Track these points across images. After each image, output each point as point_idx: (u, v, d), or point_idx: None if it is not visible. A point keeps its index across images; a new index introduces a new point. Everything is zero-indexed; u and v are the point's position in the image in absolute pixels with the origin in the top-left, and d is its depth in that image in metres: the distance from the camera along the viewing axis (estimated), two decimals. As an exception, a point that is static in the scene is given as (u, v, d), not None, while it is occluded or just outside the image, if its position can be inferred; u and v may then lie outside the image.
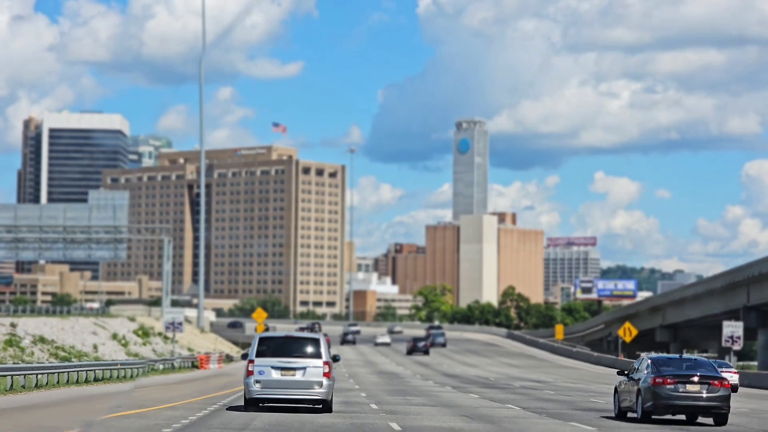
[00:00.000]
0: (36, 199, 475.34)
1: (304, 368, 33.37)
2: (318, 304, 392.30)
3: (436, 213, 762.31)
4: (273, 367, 33.35)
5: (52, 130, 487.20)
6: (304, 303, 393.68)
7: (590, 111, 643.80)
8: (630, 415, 35.32)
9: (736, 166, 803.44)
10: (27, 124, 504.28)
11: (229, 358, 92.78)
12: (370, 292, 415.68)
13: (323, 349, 33.85)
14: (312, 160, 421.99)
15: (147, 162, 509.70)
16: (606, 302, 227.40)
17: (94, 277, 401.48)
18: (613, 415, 36.54)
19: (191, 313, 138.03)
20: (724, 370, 63.10)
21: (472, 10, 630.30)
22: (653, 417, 34.09)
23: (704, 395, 33.12)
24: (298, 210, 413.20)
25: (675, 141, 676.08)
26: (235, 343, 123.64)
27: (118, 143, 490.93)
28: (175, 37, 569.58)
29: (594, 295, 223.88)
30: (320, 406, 34.36)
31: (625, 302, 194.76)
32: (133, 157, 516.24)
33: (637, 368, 34.74)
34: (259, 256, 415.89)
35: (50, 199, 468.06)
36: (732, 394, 40.30)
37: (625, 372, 35.99)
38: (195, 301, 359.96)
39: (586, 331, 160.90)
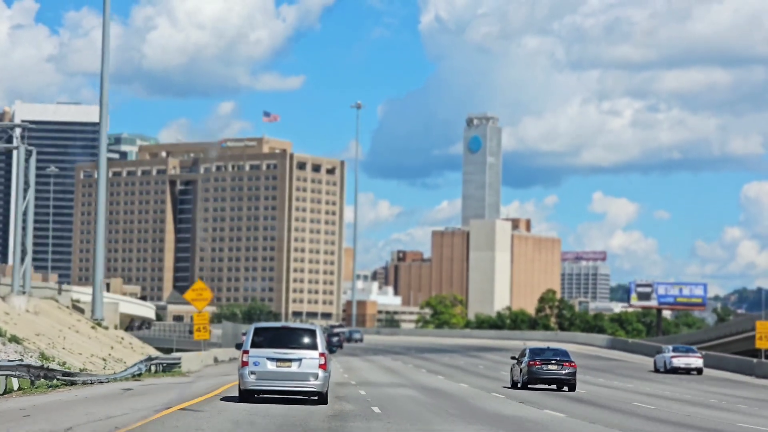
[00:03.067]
0: (6, 195, 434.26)
1: (300, 359, 32.88)
2: (313, 314, 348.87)
3: (433, 230, 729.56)
4: (268, 358, 32.91)
5: (24, 122, 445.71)
6: (297, 313, 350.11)
7: (592, 129, 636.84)
8: (518, 386, 53.26)
9: (735, 187, 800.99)
10: (1, 117, 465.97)
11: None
12: (370, 302, 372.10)
13: (319, 340, 33.20)
14: (308, 154, 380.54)
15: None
16: (666, 311, 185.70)
17: None
18: (509, 385, 55.33)
19: (85, 297, 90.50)
20: (691, 354, 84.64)
21: (476, 25, 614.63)
22: (529, 386, 52.62)
23: (560, 372, 51.74)
24: (291, 210, 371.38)
25: (676, 161, 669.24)
26: (164, 350, 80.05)
27: (96, 137, 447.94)
28: (176, 49, 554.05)
29: (653, 302, 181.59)
30: (316, 398, 33.77)
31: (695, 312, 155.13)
32: (114, 155, 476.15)
33: (523, 356, 53.15)
34: (247, 261, 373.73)
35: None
36: (698, 373, 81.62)
37: (515, 358, 54.71)
38: (176, 311, 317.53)
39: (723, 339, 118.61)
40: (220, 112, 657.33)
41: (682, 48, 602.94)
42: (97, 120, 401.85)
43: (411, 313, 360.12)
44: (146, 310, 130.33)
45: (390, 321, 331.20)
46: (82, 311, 75.71)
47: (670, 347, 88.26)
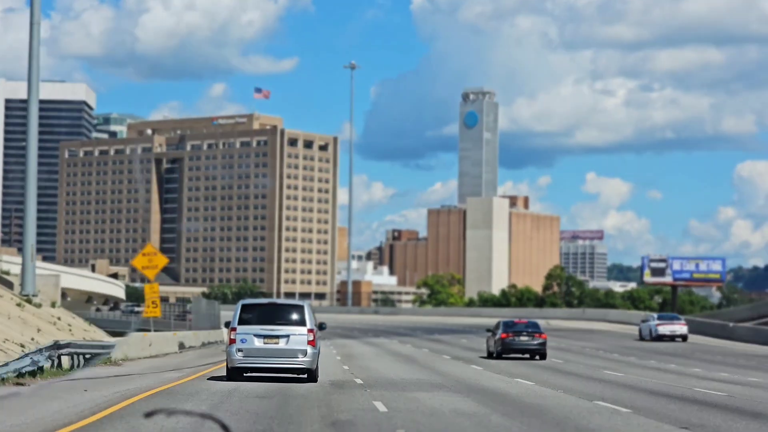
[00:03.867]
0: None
1: (287, 336, 32.31)
2: (306, 295, 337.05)
3: (429, 209, 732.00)
4: (256, 335, 32.24)
5: (8, 101, 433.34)
6: (290, 294, 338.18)
7: (585, 109, 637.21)
8: (493, 356, 56.43)
9: (729, 166, 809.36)
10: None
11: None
12: (364, 282, 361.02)
13: (308, 317, 32.72)
14: (300, 130, 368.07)
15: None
16: (681, 287, 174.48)
17: None
18: (485, 355, 58.58)
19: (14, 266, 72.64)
20: (676, 322, 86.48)
21: (469, 4, 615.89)
22: (503, 356, 55.65)
23: (531, 342, 55.10)
24: (283, 188, 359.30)
25: (670, 140, 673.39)
26: (117, 335, 66.56)
27: (82, 115, 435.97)
28: (169, 32, 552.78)
29: (668, 279, 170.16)
30: (305, 375, 33.24)
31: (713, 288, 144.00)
32: (104, 136, 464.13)
33: (497, 328, 57.00)
34: (229, 240, 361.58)
35: (5, 175, 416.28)
36: (683, 340, 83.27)
37: (490, 330, 59.05)
38: (162, 292, 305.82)
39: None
40: (212, 94, 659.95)
41: (675, 27, 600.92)
42: (84, 98, 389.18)
43: (407, 293, 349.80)
44: (112, 287, 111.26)
45: (385, 301, 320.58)
46: (9, 285, 63.27)
47: (655, 315, 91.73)
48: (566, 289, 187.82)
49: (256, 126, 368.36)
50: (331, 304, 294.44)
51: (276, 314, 33.00)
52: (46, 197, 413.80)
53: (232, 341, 32.57)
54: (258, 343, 32.35)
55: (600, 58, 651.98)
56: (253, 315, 32.85)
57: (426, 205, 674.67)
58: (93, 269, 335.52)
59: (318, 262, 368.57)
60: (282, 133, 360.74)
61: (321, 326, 34.24)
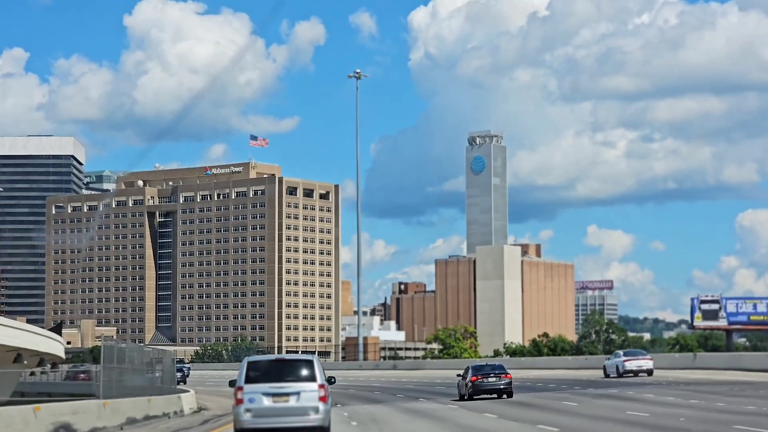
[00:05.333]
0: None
1: (298, 393, 31.44)
2: (309, 353, 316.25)
3: (429, 269, 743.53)
4: (264, 394, 31.33)
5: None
6: (292, 352, 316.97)
7: (586, 161, 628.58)
8: (465, 398, 60.54)
9: (731, 215, 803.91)
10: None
11: None
12: (371, 338, 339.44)
13: (318, 371, 31.91)
14: (299, 178, 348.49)
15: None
16: (737, 331, 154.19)
17: None
18: (457, 398, 62.09)
19: None
20: (641, 357, 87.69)
21: (467, 59, 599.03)
22: (474, 397, 59.94)
23: (498, 383, 59.40)
24: (282, 239, 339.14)
25: (671, 191, 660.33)
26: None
27: (70, 170, 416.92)
28: (168, 93, 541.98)
29: (722, 322, 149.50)
30: None
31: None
32: (96, 194, 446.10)
33: (467, 372, 61.34)
34: (226, 296, 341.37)
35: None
36: (648, 375, 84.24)
37: (460, 374, 63.22)
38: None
39: None
40: (212, 154, 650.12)
41: (675, 77, 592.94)
42: (72, 153, 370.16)
43: (416, 348, 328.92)
44: (47, 344, 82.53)
45: (394, 357, 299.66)
46: None
47: (621, 352, 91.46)
48: (606, 337, 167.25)
49: (252, 175, 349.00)
50: (336, 360, 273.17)
51: (284, 370, 31.98)
52: (34, 256, 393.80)
53: (239, 401, 31.48)
54: (267, 402, 31.33)
55: (600, 109, 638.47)
56: (259, 372, 31.79)
57: (428, 261, 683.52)
58: (79, 330, 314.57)
59: (321, 318, 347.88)
60: (281, 181, 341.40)
61: (330, 381, 32.59)
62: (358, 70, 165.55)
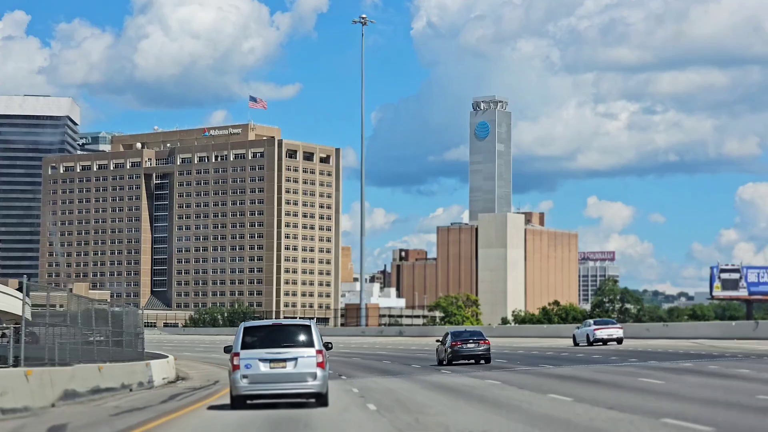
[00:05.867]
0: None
1: (295, 359, 30.81)
2: (307, 319, 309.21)
3: (429, 238, 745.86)
4: (261, 360, 30.69)
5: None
6: (290, 317, 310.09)
7: (588, 133, 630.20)
8: (443, 363, 60.97)
9: (731, 189, 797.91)
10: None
11: None
12: (371, 305, 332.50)
13: (315, 337, 31.14)
14: (299, 139, 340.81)
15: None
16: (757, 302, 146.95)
17: None
18: (436, 363, 62.65)
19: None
20: (611, 326, 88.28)
21: (470, 29, 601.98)
22: (453, 362, 60.25)
23: (477, 349, 60.52)
24: (281, 203, 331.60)
25: (672, 163, 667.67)
26: None
27: (65, 131, 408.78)
28: (169, 58, 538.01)
29: (742, 293, 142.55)
30: (315, 400, 31.48)
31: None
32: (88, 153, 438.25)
33: (446, 338, 62.27)
34: (223, 261, 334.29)
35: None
36: (618, 343, 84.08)
37: (439, 340, 64.61)
38: (147, 316, 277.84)
39: None
40: (213, 121, 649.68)
41: (678, 49, 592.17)
42: (68, 114, 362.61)
43: (416, 316, 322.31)
44: (7, 301, 69.87)
45: (396, 324, 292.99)
46: None
47: (591, 321, 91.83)
48: (621, 306, 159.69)
49: (251, 137, 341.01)
50: (335, 326, 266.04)
51: (281, 336, 31.35)
52: (29, 217, 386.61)
53: (235, 367, 30.85)
54: (264, 368, 30.76)
55: (602, 81, 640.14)
56: (256, 338, 31.28)
57: (428, 230, 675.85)
58: (129, 306, 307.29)
59: (320, 284, 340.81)
60: (280, 143, 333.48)
61: (327, 346, 31.87)
62: (363, 15, 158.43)
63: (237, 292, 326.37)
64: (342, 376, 50.61)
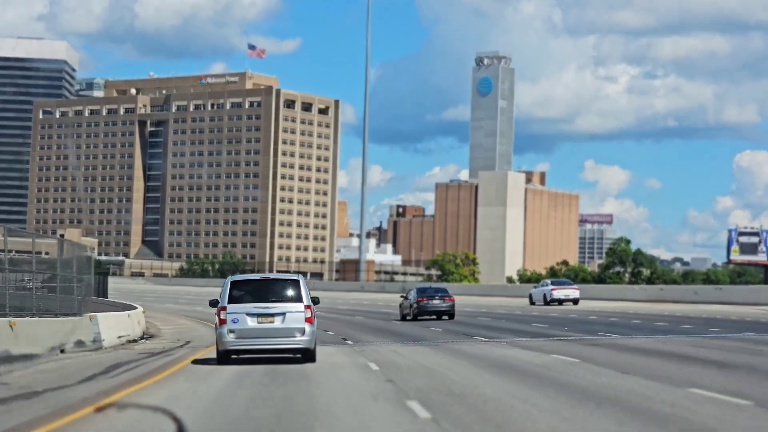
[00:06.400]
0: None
1: (283, 314, 29.95)
2: (302, 274, 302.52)
3: (425, 196, 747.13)
4: (248, 314, 29.85)
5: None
6: (284, 272, 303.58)
7: (587, 96, 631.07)
8: (407, 318, 62.21)
9: (728, 156, 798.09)
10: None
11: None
12: (367, 261, 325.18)
13: (304, 292, 30.24)
14: (298, 90, 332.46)
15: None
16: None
17: None
18: (399, 319, 62.77)
19: None
20: (568, 286, 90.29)
21: None
22: (418, 318, 61.20)
23: (441, 304, 61.61)
24: (278, 154, 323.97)
25: (670, 128, 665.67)
26: None
27: (62, 76, 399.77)
28: (170, 9, 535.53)
29: (762, 257, 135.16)
30: (302, 356, 30.68)
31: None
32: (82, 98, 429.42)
33: (410, 294, 63.56)
34: (216, 212, 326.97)
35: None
36: (574, 303, 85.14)
37: (403, 296, 65.98)
38: (137, 266, 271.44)
39: None
40: (211, 71, 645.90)
41: (681, 14, 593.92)
42: (65, 58, 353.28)
43: (413, 273, 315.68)
44: None
45: (391, 281, 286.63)
46: None
47: (548, 281, 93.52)
48: (634, 268, 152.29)
49: (249, 86, 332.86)
50: (330, 280, 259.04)
51: (269, 290, 30.47)
52: (19, 163, 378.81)
53: (222, 322, 29.99)
54: (251, 322, 30.01)
55: (603, 44, 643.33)
56: (244, 292, 30.48)
57: (424, 189, 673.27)
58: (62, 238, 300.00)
59: (316, 238, 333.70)
60: (278, 93, 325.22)
61: (315, 301, 30.87)
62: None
63: (230, 244, 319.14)
64: (347, 340, 41.50)
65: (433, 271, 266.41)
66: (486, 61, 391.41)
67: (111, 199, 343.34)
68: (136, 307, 50.77)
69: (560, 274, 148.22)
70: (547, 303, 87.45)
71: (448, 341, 40.23)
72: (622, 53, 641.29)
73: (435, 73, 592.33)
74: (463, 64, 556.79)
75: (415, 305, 61.85)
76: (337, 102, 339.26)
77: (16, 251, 36.69)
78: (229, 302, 29.91)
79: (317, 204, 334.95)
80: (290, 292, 30.24)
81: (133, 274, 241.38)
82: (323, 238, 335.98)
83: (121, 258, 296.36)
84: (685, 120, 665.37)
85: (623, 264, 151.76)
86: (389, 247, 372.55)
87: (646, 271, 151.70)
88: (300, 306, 29.96)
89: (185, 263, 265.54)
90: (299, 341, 29.92)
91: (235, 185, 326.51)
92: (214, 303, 31.07)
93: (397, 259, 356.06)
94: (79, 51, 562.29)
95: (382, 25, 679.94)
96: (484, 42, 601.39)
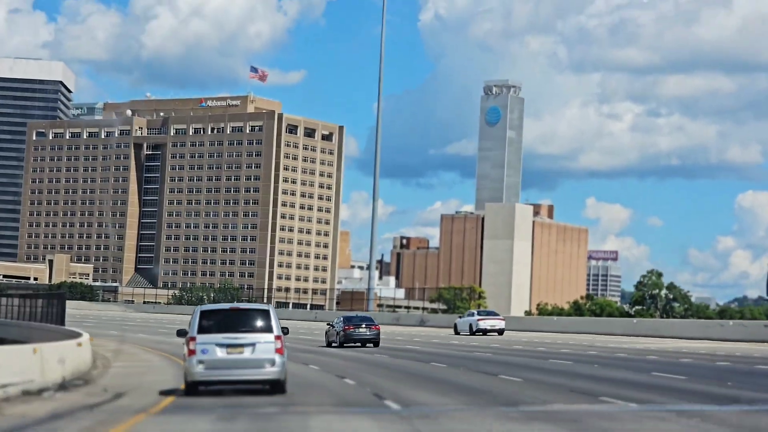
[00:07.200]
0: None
1: (253, 344, 29.42)
2: (300, 306, 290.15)
3: (426, 231, 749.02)
4: (218, 345, 29.24)
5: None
6: (283, 304, 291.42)
7: (590, 133, 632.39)
8: (333, 345, 64.17)
9: (731, 195, 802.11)
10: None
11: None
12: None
13: (274, 322, 29.78)
14: (302, 114, 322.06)
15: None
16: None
17: None
18: (324, 345, 64.90)
19: None
20: (494, 317, 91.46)
21: (478, 21, 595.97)
22: (344, 345, 62.98)
23: (367, 332, 63.47)
24: (279, 181, 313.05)
25: (673, 167, 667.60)
26: None
27: (58, 97, 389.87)
28: (176, 38, 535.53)
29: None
30: (272, 388, 29.99)
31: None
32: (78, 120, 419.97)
33: (337, 322, 65.59)
34: (214, 240, 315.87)
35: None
36: (500, 334, 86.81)
37: (329, 323, 68.20)
38: (129, 293, 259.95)
39: None
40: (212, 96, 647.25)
41: (686, 53, 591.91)
42: (61, 79, 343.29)
43: (416, 307, 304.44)
44: None
45: (407, 313, 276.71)
46: None
47: (474, 311, 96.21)
48: (666, 304, 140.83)
49: (250, 109, 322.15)
50: (330, 310, 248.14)
51: (239, 320, 29.84)
52: (14, 186, 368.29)
53: (191, 352, 29.28)
54: (221, 353, 29.32)
55: (608, 81, 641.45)
56: (213, 322, 29.73)
57: (425, 224, 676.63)
58: (51, 265, 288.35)
59: (316, 268, 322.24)
60: (280, 117, 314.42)
61: (285, 332, 30.40)
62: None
63: (228, 273, 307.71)
64: (383, 398, 28.45)
65: (438, 305, 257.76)
66: (495, 89, 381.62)
67: (105, 224, 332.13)
68: (79, 335, 38.84)
69: (585, 309, 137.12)
70: (472, 333, 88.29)
71: (593, 413, 24.50)
72: (626, 91, 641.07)
73: (439, 107, 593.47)
74: (468, 98, 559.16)
75: (342, 333, 64.01)
76: (341, 128, 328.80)
77: None
78: (199, 332, 29.15)
79: (318, 233, 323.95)
80: (260, 323, 29.68)
81: (127, 302, 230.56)
82: (324, 269, 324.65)
83: (114, 284, 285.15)
84: (688, 159, 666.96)
85: (654, 298, 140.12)
86: (392, 279, 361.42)
87: (679, 307, 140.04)
88: (270, 336, 29.39)
89: (178, 291, 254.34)
90: (269, 372, 29.38)
91: (234, 212, 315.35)
92: (182, 333, 30.25)
93: (401, 292, 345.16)
94: (83, 78, 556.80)
95: (388, 59, 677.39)
96: (490, 77, 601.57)
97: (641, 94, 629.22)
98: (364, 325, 64.18)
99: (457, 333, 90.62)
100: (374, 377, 36.63)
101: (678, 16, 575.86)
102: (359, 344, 63.71)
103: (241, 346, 29.19)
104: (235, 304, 31.76)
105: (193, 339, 29.05)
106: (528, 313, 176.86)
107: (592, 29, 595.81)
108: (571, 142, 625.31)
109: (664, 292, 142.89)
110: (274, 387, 29.78)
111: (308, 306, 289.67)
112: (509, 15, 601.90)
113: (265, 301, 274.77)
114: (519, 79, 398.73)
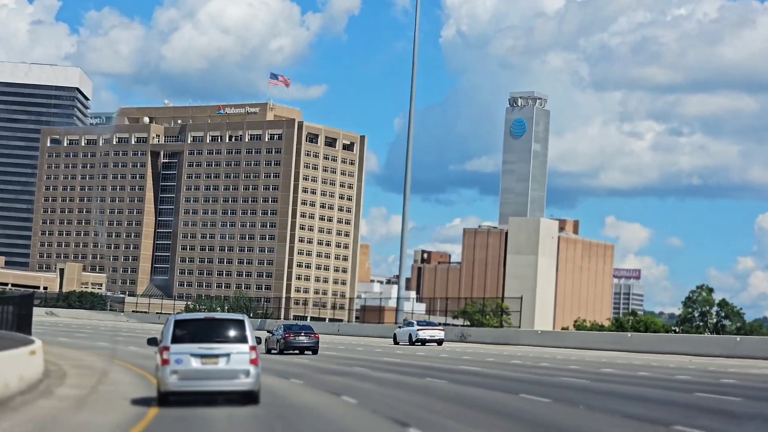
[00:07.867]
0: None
1: (227, 354, 29.16)
2: (319, 320, 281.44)
3: (445, 247, 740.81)
4: (192, 355, 28.92)
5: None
6: (301, 317, 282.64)
7: (611, 151, 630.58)
8: (273, 352, 66.38)
9: (752, 216, 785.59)
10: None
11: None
12: (389, 309, 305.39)
13: (249, 332, 29.62)
14: (322, 124, 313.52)
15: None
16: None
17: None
18: (264, 352, 63.76)
19: None
20: (434, 327, 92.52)
21: (500, 38, 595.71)
22: (284, 352, 65.44)
23: (306, 341, 66.40)
24: (298, 191, 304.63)
25: (695, 186, 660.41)
26: None
27: (73, 103, 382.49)
28: (197, 52, 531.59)
29: None
30: (246, 398, 29.69)
31: None
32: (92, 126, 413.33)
33: (278, 330, 69.20)
34: (241, 251, 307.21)
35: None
36: (438, 344, 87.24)
37: (269, 331, 71.84)
38: (143, 304, 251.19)
39: None
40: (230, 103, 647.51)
41: (709, 72, 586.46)
42: (77, 85, 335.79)
43: (439, 323, 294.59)
44: None
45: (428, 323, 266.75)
46: None
47: (414, 321, 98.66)
48: (718, 322, 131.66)
49: (269, 117, 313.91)
50: (350, 321, 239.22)
51: (213, 330, 29.62)
52: (25, 193, 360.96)
53: (164, 362, 28.92)
54: (195, 363, 28.96)
55: (630, 99, 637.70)
56: (187, 332, 29.36)
57: (444, 240, 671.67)
58: (62, 274, 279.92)
59: (335, 282, 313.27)
60: (300, 126, 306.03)
61: (258, 341, 30.30)
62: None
63: (244, 285, 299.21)
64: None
65: (460, 321, 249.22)
66: (520, 101, 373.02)
67: (119, 233, 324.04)
68: (33, 341, 33.63)
69: (627, 326, 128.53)
70: (412, 343, 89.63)
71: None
72: (648, 109, 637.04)
73: (459, 124, 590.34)
74: (488, 115, 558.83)
75: (282, 340, 66.74)
76: (362, 138, 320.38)
77: None
78: (173, 342, 28.86)
79: (338, 245, 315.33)
80: (234, 333, 29.41)
81: (135, 312, 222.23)
82: (343, 282, 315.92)
83: (120, 295, 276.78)
84: (709, 179, 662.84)
85: (704, 316, 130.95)
86: (413, 294, 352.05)
87: (731, 325, 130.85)
88: (245, 347, 29.16)
89: (192, 303, 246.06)
90: (243, 383, 29.08)
91: (251, 222, 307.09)
92: (152, 341, 30.54)
93: (421, 307, 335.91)
94: (105, 90, 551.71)
95: (409, 74, 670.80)
96: (510, 93, 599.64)
97: (663, 112, 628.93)
98: (303, 333, 67.22)
99: (396, 343, 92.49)
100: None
101: (701, 35, 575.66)
102: (298, 351, 66.36)
103: (216, 356, 28.96)
104: (210, 314, 31.26)
105: (166, 348, 28.72)
106: (564, 329, 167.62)
107: (615, 47, 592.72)
108: (592, 160, 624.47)
109: (715, 309, 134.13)
110: (248, 397, 29.49)
111: (327, 319, 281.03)
112: (531, 32, 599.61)
113: (282, 314, 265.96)
114: (545, 92, 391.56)
